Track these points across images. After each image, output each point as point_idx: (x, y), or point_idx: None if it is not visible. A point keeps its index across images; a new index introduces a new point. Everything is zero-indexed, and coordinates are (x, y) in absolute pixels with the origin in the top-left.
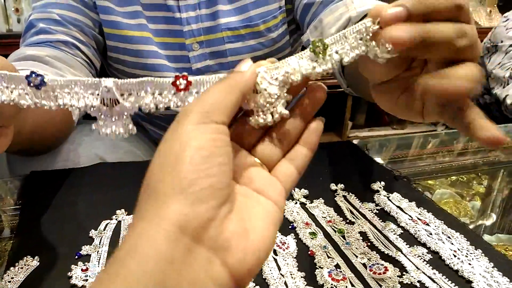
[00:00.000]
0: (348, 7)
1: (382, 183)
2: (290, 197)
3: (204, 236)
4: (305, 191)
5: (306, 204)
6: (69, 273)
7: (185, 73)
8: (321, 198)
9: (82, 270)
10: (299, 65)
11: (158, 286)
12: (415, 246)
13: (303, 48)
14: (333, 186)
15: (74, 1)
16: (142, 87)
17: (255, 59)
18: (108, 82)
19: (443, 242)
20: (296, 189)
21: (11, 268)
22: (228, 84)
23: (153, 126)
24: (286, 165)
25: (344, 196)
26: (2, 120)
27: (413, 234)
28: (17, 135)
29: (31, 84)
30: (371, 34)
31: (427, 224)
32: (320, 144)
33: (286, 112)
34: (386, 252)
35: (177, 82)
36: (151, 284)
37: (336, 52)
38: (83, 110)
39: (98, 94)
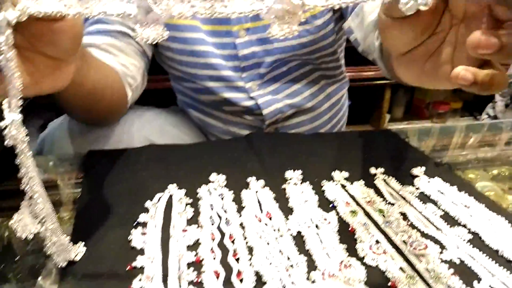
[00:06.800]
0: None
1: (423, 168)
2: (331, 178)
3: None
4: (345, 173)
5: (346, 186)
6: (129, 237)
7: None
8: (361, 180)
9: (141, 234)
10: None
11: None
12: (455, 226)
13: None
14: (372, 170)
15: None
16: None
17: (300, 46)
18: None
19: (484, 224)
20: (337, 171)
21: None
22: None
23: (198, 112)
24: None
25: (384, 180)
26: (60, 51)
27: (454, 216)
28: (79, 86)
29: None
30: None
31: (468, 207)
32: (359, 132)
33: None
34: (426, 232)
35: None
36: None
37: None
38: (121, 18)
39: (133, 2)
